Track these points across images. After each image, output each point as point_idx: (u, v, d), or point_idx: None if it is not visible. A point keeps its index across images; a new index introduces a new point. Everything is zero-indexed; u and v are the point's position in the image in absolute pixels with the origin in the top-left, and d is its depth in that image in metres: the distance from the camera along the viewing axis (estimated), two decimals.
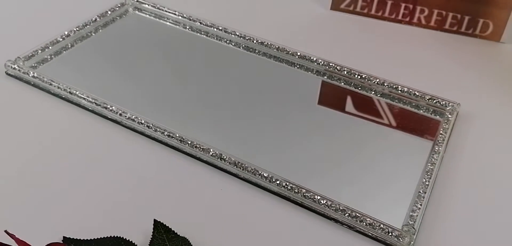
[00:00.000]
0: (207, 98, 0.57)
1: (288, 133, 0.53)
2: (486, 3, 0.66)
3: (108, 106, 0.52)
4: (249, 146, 0.52)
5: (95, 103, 0.53)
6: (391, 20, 0.71)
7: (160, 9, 0.69)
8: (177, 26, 0.68)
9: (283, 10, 0.73)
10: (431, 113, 0.57)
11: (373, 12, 0.71)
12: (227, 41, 0.66)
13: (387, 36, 0.69)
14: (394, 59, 0.65)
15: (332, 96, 0.58)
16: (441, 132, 0.53)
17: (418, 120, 0.56)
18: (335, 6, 0.72)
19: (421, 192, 0.46)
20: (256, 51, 0.64)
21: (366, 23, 0.71)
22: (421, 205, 0.45)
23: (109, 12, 0.68)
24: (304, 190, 0.45)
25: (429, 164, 0.49)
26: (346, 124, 0.55)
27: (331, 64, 0.60)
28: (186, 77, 0.61)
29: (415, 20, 0.70)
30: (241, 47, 0.65)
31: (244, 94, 0.58)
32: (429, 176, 0.47)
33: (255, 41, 0.65)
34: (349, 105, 0.57)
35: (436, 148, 0.51)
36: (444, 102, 0.57)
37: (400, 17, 0.70)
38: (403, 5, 0.69)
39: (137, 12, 0.70)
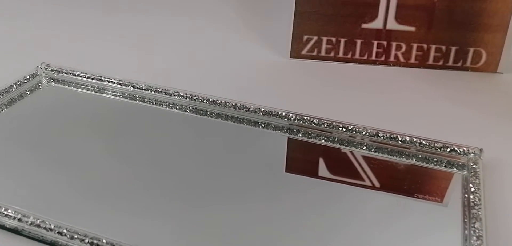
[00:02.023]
0: (149, 180, 0.39)
1: (253, 215, 0.36)
2: (475, 29, 0.52)
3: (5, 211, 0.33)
4: (206, 236, 0.33)
5: None
6: (363, 61, 0.55)
7: (81, 76, 0.51)
8: (106, 95, 0.49)
9: (234, 62, 0.56)
10: (444, 167, 0.41)
11: (340, 54, 0.56)
12: (170, 105, 0.48)
13: (361, 80, 0.54)
14: (373, 106, 0.48)
15: (304, 158, 0.41)
16: (472, 189, 0.36)
17: (426, 177, 0.39)
18: (295, 53, 0.56)
19: None
20: (208, 113, 0.47)
21: (334, 69, 0.55)
22: None
23: (15, 86, 0.49)
24: None
25: (474, 240, 0.31)
26: (329, 193, 0.37)
27: (299, 117, 0.44)
28: (122, 156, 0.42)
29: (391, 58, 0.55)
30: (188, 111, 0.48)
31: (194, 169, 0.40)
32: None
33: (205, 101, 0.47)
34: (326, 168, 0.40)
35: (475, 213, 0.34)
36: (462, 150, 0.40)
37: (373, 57, 0.55)
38: (375, 43, 0.55)
39: (53, 84, 0.52)
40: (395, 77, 0.54)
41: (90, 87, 0.50)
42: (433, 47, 0.53)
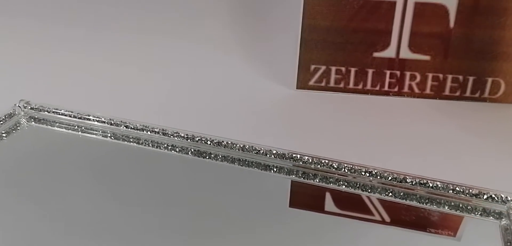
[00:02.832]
0: (147, 231, 0.34)
1: None
2: (493, 58, 0.48)
3: None
4: None
5: None
6: (375, 92, 0.51)
7: (66, 115, 0.45)
8: (95, 136, 0.43)
9: (237, 96, 0.50)
10: (480, 215, 0.37)
11: (351, 85, 0.51)
12: (169, 147, 0.43)
13: (374, 112, 0.49)
14: (388, 141, 0.44)
15: (320, 205, 0.36)
16: None
17: (461, 226, 0.34)
18: (302, 84, 0.51)
19: None
20: (212, 155, 0.42)
21: (344, 100, 0.50)
22: None
23: None
24: None
25: None
26: None
27: (316, 160, 0.39)
28: (113, 205, 0.35)
29: (405, 89, 0.51)
30: (189, 153, 0.42)
31: (197, 220, 0.34)
32: None
33: (209, 142, 0.42)
34: (347, 217, 0.35)
35: None
36: (502, 196, 0.35)
37: (386, 88, 0.51)
38: (388, 73, 0.50)
39: (33, 124, 0.45)
40: (409, 109, 0.49)
41: (76, 127, 0.44)
42: (450, 77, 0.49)
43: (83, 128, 0.43)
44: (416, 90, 0.50)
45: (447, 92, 0.49)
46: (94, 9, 0.60)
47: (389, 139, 0.44)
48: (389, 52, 0.49)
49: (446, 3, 0.47)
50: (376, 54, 0.49)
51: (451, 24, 0.48)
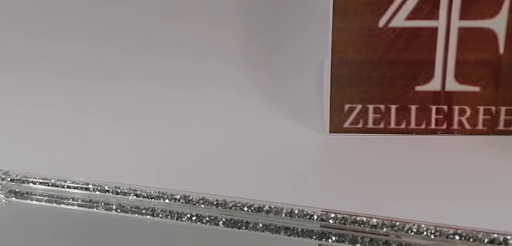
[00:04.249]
0: None
1: None
2: None
3: None
4: None
5: None
6: (421, 131, 0.43)
7: (57, 186, 0.35)
8: (96, 210, 0.33)
9: (261, 146, 0.41)
10: None
11: (392, 125, 0.43)
12: (193, 218, 0.33)
13: (421, 154, 0.41)
14: (443, 188, 0.35)
15: None
16: None
17: None
18: (335, 127, 0.42)
19: None
20: (251, 225, 0.32)
21: (385, 143, 0.42)
22: None
23: None
24: None
25: None
26: None
27: (345, 216, 0.30)
28: None
29: (455, 125, 0.43)
30: (220, 224, 0.33)
31: None
32: None
33: (246, 209, 0.33)
34: None
35: None
36: None
37: (433, 126, 0.44)
38: (433, 108, 0.43)
39: (14, 199, 0.35)
40: (461, 148, 0.42)
41: (70, 200, 0.34)
42: (503, 109, 0.42)
43: (80, 201, 0.34)
44: (467, 126, 0.43)
45: (501, 126, 0.42)
46: (82, 55, 0.51)
47: (443, 185, 0.37)
48: (434, 85, 0.42)
49: (494, 27, 0.41)
50: (418, 88, 0.42)
51: (501, 50, 0.41)
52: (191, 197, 0.32)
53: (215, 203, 0.32)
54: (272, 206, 0.31)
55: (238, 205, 0.31)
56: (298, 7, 0.50)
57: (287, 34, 0.50)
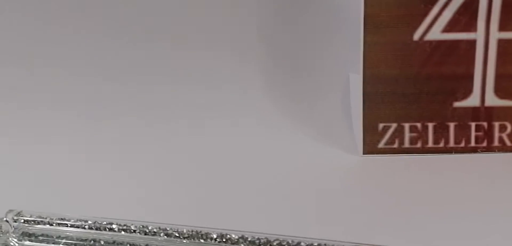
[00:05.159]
0: None
1: None
2: None
3: None
4: None
5: None
6: (460, 150, 0.40)
7: (77, 226, 0.30)
8: None
9: (291, 173, 0.38)
10: None
11: (430, 144, 0.39)
12: None
13: (462, 174, 0.38)
14: (487, 211, 0.32)
15: None
16: None
17: None
18: (370, 148, 0.39)
19: None
20: None
21: (423, 163, 0.38)
22: None
23: None
24: None
25: None
26: None
27: None
28: None
29: (496, 142, 0.40)
30: None
31: None
32: None
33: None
34: None
35: None
36: None
37: (473, 144, 0.41)
38: (473, 125, 0.40)
39: (27, 243, 0.31)
40: (504, 167, 0.39)
41: (92, 242, 0.31)
42: None
43: (102, 242, 0.30)
44: (508, 143, 0.39)
45: None
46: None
47: (491, 210, 0.34)
48: (473, 101, 0.39)
49: None
50: (457, 104, 0.39)
51: None
52: (230, 236, 0.29)
53: (256, 241, 0.28)
54: (326, 244, 0.28)
55: (283, 243, 0.28)
56: (318, 21, 0.47)
57: (309, 50, 0.47)
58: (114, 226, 0.29)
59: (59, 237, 0.30)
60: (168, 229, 0.29)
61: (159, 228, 0.29)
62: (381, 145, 0.39)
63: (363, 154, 0.39)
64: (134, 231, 0.29)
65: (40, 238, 0.30)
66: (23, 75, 0.47)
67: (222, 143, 0.40)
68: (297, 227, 0.30)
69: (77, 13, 0.46)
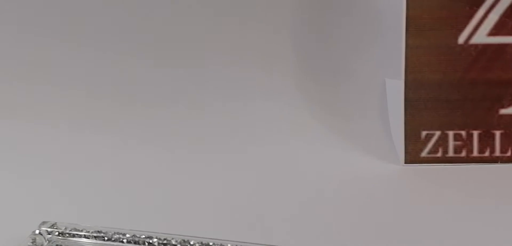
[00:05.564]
0: None
1: None
2: None
3: None
4: None
5: None
6: (507, 159, 0.37)
7: (115, 239, 0.29)
8: None
9: (330, 185, 0.35)
10: None
11: (475, 153, 0.37)
12: None
13: (506, 187, 0.36)
14: None
15: None
16: None
17: None
18: (412, 157, 0.37)
19: None
20: None
21: (468, 173, 0.36)
22: None
23: None
24: None
25: None
26: None
27: None
28: None
29: None
30: None
31: None
32: None
33: None
34: None
35: None
36: None
37: None
38: None
39: None
40: None
41: None
42: None
43: None
44: None
45: None
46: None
47: None
48: None
49: None
50: (503, 111, 0.37)
51: None
52: None
53: None
54: None
55: None
56: (353, 24, 0.45)
57: (343, 55, 0.45)
58: (154, 240, 0.28)
59: None
60: (210, 243, 0.27)
61: (202, 243, 0.27)
62: (424, 153, 0.37)
63: (405, 163, 0.37)
64: (175, 245, 0.28)
65: None
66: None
67: (260, 156, 0.38)
68: (338, 241, 0.29)
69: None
